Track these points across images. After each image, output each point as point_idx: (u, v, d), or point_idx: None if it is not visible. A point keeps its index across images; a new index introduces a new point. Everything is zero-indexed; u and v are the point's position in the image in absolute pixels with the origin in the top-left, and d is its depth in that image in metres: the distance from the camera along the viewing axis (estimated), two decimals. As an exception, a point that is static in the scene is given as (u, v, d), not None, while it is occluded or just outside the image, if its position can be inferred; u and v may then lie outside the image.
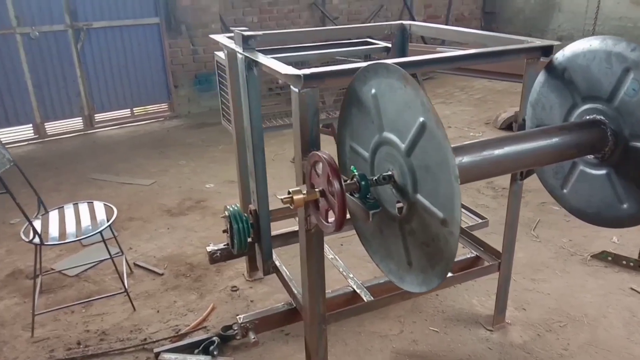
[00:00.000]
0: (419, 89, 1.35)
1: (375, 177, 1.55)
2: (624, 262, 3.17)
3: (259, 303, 2.96)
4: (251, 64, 2.17)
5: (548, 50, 2.09)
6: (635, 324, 2.68)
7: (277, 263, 2.64)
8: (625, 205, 1.83)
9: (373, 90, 1.58)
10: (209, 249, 2.83)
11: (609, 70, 1.78)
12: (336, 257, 2.86)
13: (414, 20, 8.65)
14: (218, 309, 2.91)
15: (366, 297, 2.38)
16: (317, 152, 1.49)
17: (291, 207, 1.52)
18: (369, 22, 8.46)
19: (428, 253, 1.48)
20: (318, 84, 1.75)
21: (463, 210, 3.05)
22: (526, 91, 2.16)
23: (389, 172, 1.56)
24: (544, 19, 9.63)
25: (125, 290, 2.88)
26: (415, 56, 1.95)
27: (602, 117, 1.83)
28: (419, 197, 1.46)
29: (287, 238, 2.92)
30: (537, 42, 2.10)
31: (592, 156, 1.89)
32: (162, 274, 3.26)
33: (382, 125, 1.57)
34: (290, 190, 1.52)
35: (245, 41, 2.15)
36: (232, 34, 2.54)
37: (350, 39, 3.18)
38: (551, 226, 3.67)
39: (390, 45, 3.08)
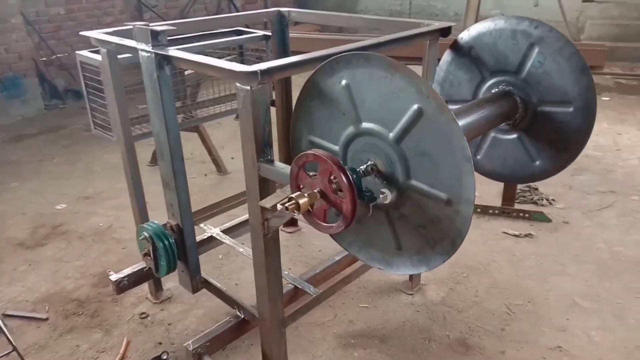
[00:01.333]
0: (414, 75, 1.36)
1: (362, 169, 1.52)
2: (490, 211, 3.66)
3: (178, 324, 2.71)
4: (162, 62, 1.93)
5: (446, 31, 2.26)
6: (517, 262, 3.14)
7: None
8: (537, 163, 2.11)
9: (343, 82, 1.54)
10: (113, 278, 2.49)
11: (515, 46, 2.01)
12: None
13: (234, 6, 8.54)
14: (134, 342, 2.58)
15: (310, 290, 2.35)
16: (311, 152, 1.40)
17: (295, 214, 1.41)
18: (189, 9, 8.10)
19: (425, 234, 1.53)
20: (270, 79, 1.65)
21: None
22: (430, 71, 2.32)
23: (370, 162, 1.55)
24: (352, 1, 10.35)
25: (14, 348, 2.37)
26: (335, 47, 1.91)
27: (511, 88, 2.06)
28: (413, 182, 1.48)
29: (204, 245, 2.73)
30: (437, 24, 2.26)
31: (504, 123, 2.13)
32: (47, 319, 2.75)
33: (357, 116, 1.55)
34: (292, 195, 1.40)
35: (155, 37, 1.89)
36: (109, 30, 2.24)
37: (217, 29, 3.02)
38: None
39: (269, 33, 3.01)
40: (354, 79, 1.52)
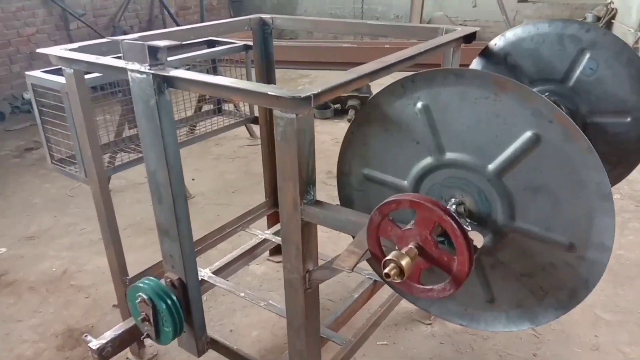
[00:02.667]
0: (530, 95, 1.09)
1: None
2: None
3: (174, 388, 2.29)
4: (162, 85, 1.54)
5: (471, 37, 2.03)
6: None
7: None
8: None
9: (419, 104, 1.25)
10: (93, 345, 2.04)
11: (562, 51, 1.81)
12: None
13: (168, 11, 8.00)
14: (123, 419, 2.14)
15: (338, 341, 2.03)
16: (406, 197, 1.09)
17: (396, 280, 1.09)
18: (120, 18, 7.47)
19: (530, 284, 1.26)
20: (317, 103, 1.32)
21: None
22: None
23: (456, 200, 1.27)
24: (291, 4, 10.06)
25: None
26: (370, 64, 1.60)
27: (557, 98, 1.86)
28: (519, 224, 1.21)
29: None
30: (460, 30, 2.03)
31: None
32: (5, 400, 2.24)
33: (439, 145, 1.26)
34: (389, 257, 1.08)
35: (154, 55, 1.50)
36: (72, 47, 1.82)
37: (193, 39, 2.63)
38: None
39: (251, 43, 2.66)
40: (435, 101, 1.23)
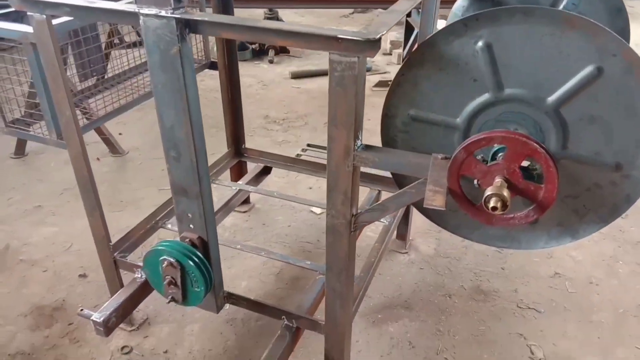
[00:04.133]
0: (598, 31, 1.18)
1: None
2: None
3: (177, 350, 2.24)
4: (184, 31, 1.40)
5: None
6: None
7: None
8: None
9: (480, 43, 1.28)
10: (96, 317, 1.92)
11: (548, -14, 1.92)
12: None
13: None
14: (134, 387, 2.07)
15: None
16: (499, 132, 1.15)
17: (502, 213, 1.16)
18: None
19: (574, 204, 1.41)
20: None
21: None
22: (429, 19, 2.14)
23: (511, 134, 1.35)
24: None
25: None
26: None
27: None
28: (571, 151, 1.34)
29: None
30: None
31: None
32: (-9, 392, 2.04)
33: (498, 82, 1.32)
34: (491, 191, 1.14)
35: (178, -3, 1.35)
36: None
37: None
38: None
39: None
40: (499, 39, 1.27)
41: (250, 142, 2.96)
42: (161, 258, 1.68)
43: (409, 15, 5.11)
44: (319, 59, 5.72)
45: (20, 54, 1.97)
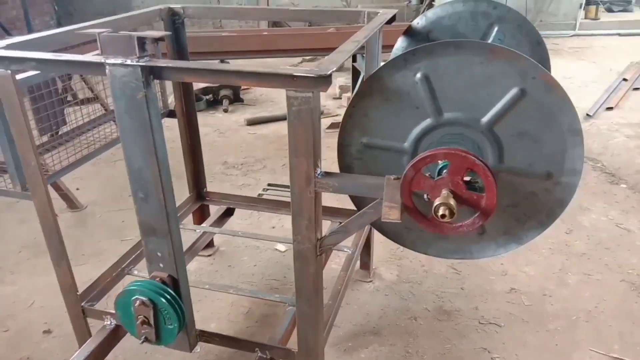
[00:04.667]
0: (517, 57, 1.37)
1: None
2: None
3: (150, 396, 2.21)
4: (149, 78, 1.51)
5: (392, 19, 2.29)
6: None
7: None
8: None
9: (419, 74, 1.45)
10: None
11: (475, 26, 2.16)
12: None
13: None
14: None
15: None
16: (436, 150, 1.29)
17: (450, 221, 1.28)
18: None
19: (514, 213, 1.56)
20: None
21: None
22: (374, 59, 2.33)
23: (453, 153, 1.51)
24: (124, -4, 9.48)
25: None
26: (347, 44, 1.79)
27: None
28: (507, 165, 1.50)
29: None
30: (384, 12, 2.28)
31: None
32: None
33: (437, 108, 1.48)
34: (439, 202, 1.27)
35: (142, 46, 1.47)
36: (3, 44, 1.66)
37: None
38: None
39: (164, 33, 2.60)
40: (435, 70, 1.44)
41: (211, 188, 3.03)
42: (133, 298, 1.71)
43: (354, 60, 5.43)
44: (272, 106, 5.91)
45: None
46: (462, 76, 1.43)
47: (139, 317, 1.74)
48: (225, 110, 5.70)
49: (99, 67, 1.51)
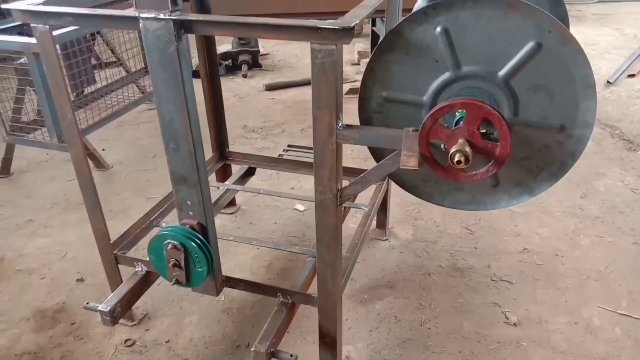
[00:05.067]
0: (534, 11, 1.41)
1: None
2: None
3: (178, 339, 2.37)
4: (180, 32, 1.59)
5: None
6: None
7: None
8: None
9: (439, 28, 1.51)
10: (103, 308, 2.04)
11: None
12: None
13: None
14: (140, 374, 2.19)
15: (337, 257, 2.28)
16: (459, 100, 1.36)
17: (464, 168, 1.36)
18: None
19: (528, 165, 1.63)
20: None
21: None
22: (392, 21, 2.37)
23: (470, 106, 1.57)
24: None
25: None
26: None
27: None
28: (522, 118, 1.56)
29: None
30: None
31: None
32: (2, 389, 2.14)
33: (456, 61, 1.54)
34: (455, 149, 1.35)
35: (174, 0, 1.54)
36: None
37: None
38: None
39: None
40: (454, 23, 1.49)
41: (232, 149, 3.13)
42: (165, 242, 1.83)
43: (374, 24, 5.42)
44: (291, 72, 5.95)
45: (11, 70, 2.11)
46: (480, 30, 1.48)
47: (171, 260, 1.86)
48: (244, 76, 5.76)
49: (133, 21, 1.60)
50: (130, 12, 1.59)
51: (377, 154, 1.78)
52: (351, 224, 3.06)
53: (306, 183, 3.56)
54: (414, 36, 1.54)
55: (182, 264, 1.86)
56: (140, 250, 2.57)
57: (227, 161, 3.14)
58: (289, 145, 3.17)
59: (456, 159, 1.35)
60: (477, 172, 1.45)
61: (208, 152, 3.05)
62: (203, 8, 2.66)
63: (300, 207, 3.34)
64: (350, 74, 5.85)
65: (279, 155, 3.06)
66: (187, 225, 1.90)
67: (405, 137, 1.52)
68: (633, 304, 2.50)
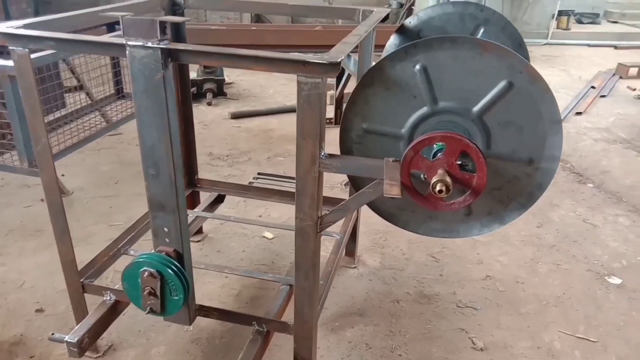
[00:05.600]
0: (506, 53, 1.52)
1: (443, 147, 1.62)
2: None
3: (146, 370, 2.30)
4: (167, 60, 1.61)
5: (385, 18, 2.44)
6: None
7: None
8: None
9: (418, 66, 1.60)
10: (70, 339, 1.99)
11: (463, 27, 2.32)
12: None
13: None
14: (106, 408, 2.11)
15: (310, 285, 2.30)
16: (439, 133, 1.44)
17: (444, 197, 1.43)
18: None
19: (498, 195, 1.72)
20: (337, 68, 1.58)
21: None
22: (367, 56, 2.47)
23: (445, 139, 1.66)
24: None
25: None
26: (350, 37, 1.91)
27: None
28: (494, 151, 1.66)
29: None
30: (378, 11, 2.43)
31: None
32: None
33: (433, 97, 1.63)
34: (436, 179, 1.42)
35: (163, 30, 1.57)
36: (18, 23, 1.74)
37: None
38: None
39: (183, 19, 2.69)
40: (432, 62, 1.58)
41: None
42: (141, 269, 1.80)
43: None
44: (256, 101, 6.01)
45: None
46: (456, 69, 1.58)
47: (146, 288, 1.83)
48: (209, 104, 5.76)
49: (119, 48, 1.61)
50: (117, 39, 1.61)
51: (357, 182, 1.83)
52: (322, 252, 3.09)
53: (273, 211, 3.57)
54: (394, 72, 1.62)
55: (158, 292, 1.83)
56: (103, 279, 2.51)
57: (195, 188, 3.12)
58: (258, 173, 3.20)
59: (438, 188, 1.42)
60: (454, 201, 1.52)
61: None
62: (179, 38, 2.69)
63: (268, 234, 3.34)
64: (314, 104, 5.95)
65: (249, 182, 3.08)
66: (163, 253, 1.88)
67: (386, 167, 1.59)
68: (589, 327, 2.63)
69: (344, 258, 3.08)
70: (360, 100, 1.69)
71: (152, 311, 1.88)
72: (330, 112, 5.33)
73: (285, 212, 3.56)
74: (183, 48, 1.58)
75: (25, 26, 1.78)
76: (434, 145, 1.59)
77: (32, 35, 1.69)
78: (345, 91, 5.15)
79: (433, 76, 1.60)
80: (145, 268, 1.80)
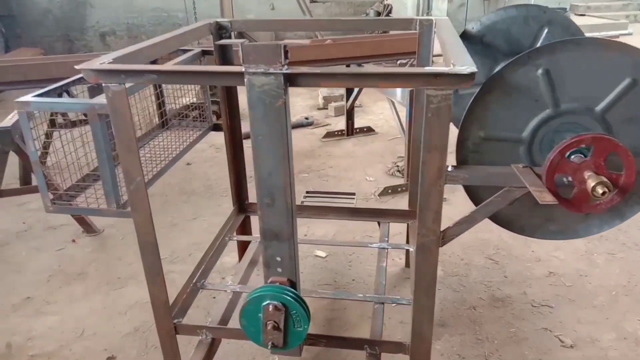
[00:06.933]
0: (630, 50, 1.54)
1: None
2: (399, 189, 4.03)
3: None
4: (286, 85, 1.56)
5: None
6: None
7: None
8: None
9: (540, 70, 1.60)
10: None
11: (528, 29, 2.35)
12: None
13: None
14: None
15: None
16: (583, 135, 1.43)
17: (605, 199, 1.42)
18: None
19: (620, 192, 1.73)
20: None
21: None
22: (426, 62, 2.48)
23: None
24: (79, 18, 9.17)
25: None
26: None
27: (525, 65, 2.40)
28: (616, 148, 1.67)
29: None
30: (435, 18, 2.43)
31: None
32: None
33: (556, 99, 1.63)
34: (595, 183, 1.41)
35: (285, 55, 1.52)
36: (111, 57, 1.66)
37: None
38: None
39: (210, 48, 2.64)
40: (555, 65, 1.58)
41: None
42: (264, 304, 1.73)
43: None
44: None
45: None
46: (578, 69, 1.59)
47: (269, 322, 1.75)
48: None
49: (236, 77, 1.55)
50: (235, 67, 1.54)
51: (474, 193, 1.81)
52: (367, 266, 3.05)
53: (317, 229, 3.51)
54: (515, 77, 1.62)
55: (282, 325, 1.75)
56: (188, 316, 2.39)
57: (247, 213, 3.04)
58: (307, 192, 3.14)
59: (600, 191, 1.41)
60: (601, 202, 1.52)
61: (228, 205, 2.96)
62: (225, 61, 2.64)
63: (321, 253, 3.28)
64: (319, 118, 5.93)
65: (301, 202, 3.02)
66: (277, 283, 1.81)
67: (521, 174, 1.57)
68: (664, 313, 2.67)
69: (406, 269, 3.05)
70: (478, 108, 1.67)
71: (274, 346, 1.80)
72: (340, 123, 5.32)
73: (330, 229, 3.51)
74: (304, 72, 1.53)
75: (115, 61, 1.70)
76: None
77: (131, 69, 1.61)
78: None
79: (556, 78, 1.60)
80: (268, 302, 1.73)
